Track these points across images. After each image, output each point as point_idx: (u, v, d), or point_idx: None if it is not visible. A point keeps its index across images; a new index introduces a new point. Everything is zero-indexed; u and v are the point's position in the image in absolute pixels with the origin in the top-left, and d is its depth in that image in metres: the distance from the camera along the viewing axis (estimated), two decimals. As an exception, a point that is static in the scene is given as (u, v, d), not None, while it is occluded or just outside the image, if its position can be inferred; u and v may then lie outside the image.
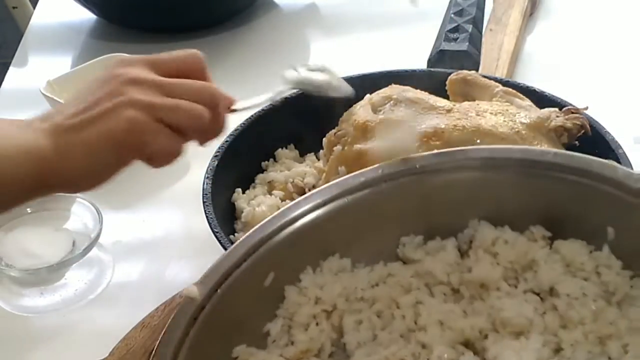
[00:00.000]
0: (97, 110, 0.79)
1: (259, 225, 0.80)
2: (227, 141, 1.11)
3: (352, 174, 0.82)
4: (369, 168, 0.81)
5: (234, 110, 0.86)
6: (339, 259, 0.80)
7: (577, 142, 1.04)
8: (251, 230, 0.80)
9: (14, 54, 1.56)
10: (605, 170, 0.73)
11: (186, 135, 0.82)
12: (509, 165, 0.77)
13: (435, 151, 0.81)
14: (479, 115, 1.03)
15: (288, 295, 0.79)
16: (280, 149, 1.17)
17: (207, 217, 1.00)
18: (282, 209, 0.80)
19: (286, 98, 1.18)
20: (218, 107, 0.83)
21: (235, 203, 1.09)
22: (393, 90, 1.08)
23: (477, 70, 1.23)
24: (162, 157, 0.81)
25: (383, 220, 0.80)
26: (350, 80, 1.20)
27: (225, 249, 0.98)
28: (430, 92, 1.08)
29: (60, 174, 0.79)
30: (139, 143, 0.79)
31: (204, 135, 0.84)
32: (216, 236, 0.99)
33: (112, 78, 0.81)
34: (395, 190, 0.80)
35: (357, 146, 1.02)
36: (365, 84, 1.15)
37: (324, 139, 1.14)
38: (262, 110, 1.16)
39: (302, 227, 0.80)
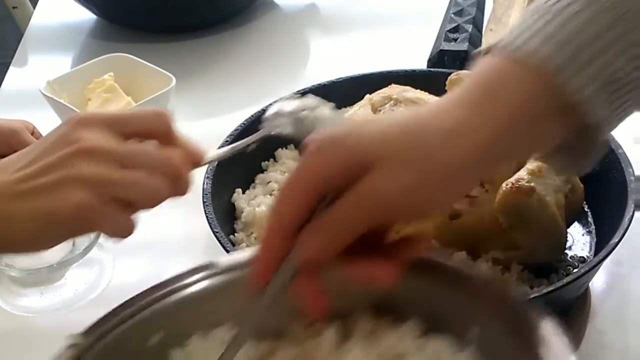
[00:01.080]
0: (45, 180, 0.73)
1: (153, 285, 0.80)
2: (227, 141, 1.11)
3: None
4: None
5: (206, 163, 0.83)
6: (229, 329, 0.81)
7: (577, 142, 1.04)
8: (145, 289, 0.79)
9: (14, 54, 1.56)
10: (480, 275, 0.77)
11: (140, 208, 0.77)
12: None
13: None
14: (478, 115, 1.03)
15: (172, 358, 0.79)
16: (280, 149, 1.17)
17: (207, 217, 1.00)
18: (177, 274, 0.81)
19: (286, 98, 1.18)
20: (181, 176, 0.77)
21: (235, 203, 1.09)
22: (393, 90, 1.08)
23: (477, 70, 1.23)
24: (112, 236, 0.76)
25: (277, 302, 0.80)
26: (350, 80, 1.21)
27: (225, 249, 0.99)
28: (430, 92, 1.08)
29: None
30: (85, 227, 0.75)
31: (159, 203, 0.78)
32: (216, 236, 0.99)
33: (66, 141, 0.75)
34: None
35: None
36: (365, 84, 1.15)
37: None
38: (262, 110, 1.16)
39: (196, 293, 0.80)
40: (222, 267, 0.80)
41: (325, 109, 0.90)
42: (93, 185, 0.73)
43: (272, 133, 0.91)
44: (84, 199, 0.72)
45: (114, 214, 0.74)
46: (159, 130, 0.79)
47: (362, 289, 0.77)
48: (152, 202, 0.76)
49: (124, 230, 0.76)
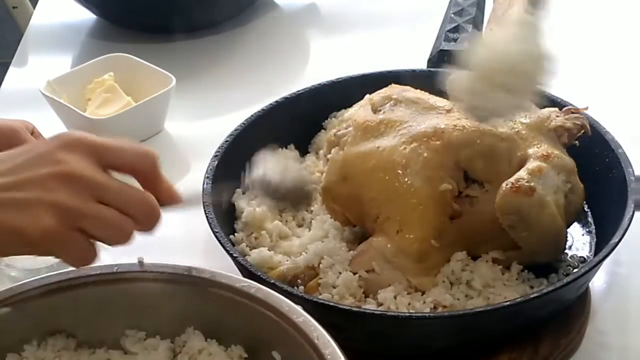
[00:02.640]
0: (20, 196, 0.73)
1: None
2: (227, 141, 1.11)
3: (89, 267, 0.84)
4: (105, 265, 0.86)
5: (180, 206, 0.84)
6: (65, 338, 0.85)
7: (577, 142, 1.04)
8: None
9: (14, 54, 1.56)
10: (290, 311, 0.81)
11: (104, 242, 0.78)
12: (230, 289, 0.84)
13: (171, 264, 0.88)
14: (479, 115, 1.03)
15: None
16: (280, 149, 1.17)
17: (207, 217, 1.00)
18: (19, 284, 0.84)
19: (286, 98, 1.18)
20: (151, 222, 0.78)
21: (235, 203, 1.09)
22: (393, 90, 1.08)
23: (477, 70, 1.23)
24: (71, 264, 0.77)
25: (111, 311, 0.86)
26: (350, 80, 1.21)
27: (225, 249, 0.99)
28: (430, 92, 1.08)
29: None
30: (49, 250, 0.75)
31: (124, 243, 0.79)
32: (216, 236, 0.99)
33: (50, 160, 0.75)
34: (126, 287, 0.86)
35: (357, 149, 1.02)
36: (365, 84, 1.15)
37: (323, 139, 1.15)
38: (262, 110, 1.16)
39: (34, 302, 0.84)
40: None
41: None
42: (64, 214, 0.73)
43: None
44: (52, 226, 0.73)
45: (77, 244, 0.75)
46: (143, 169, 0.79)
47: (192, 312, 0.85)
48: (117, 241, 0.77)
49: (83, 260, 0.77)
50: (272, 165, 0.93)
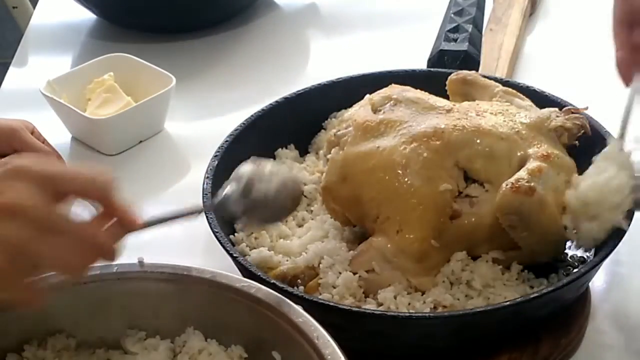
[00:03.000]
0: None
1: None
2: (227, 141, 1.11)
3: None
4: (105, 264, 0.84)
5: (140, 228, 0.80)
6: (65, 337, 0.86)
7: (577, 142, 1.04)
8: None
9: (14, 54, 1.55)
10: (290, 311, 0.81)
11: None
12: (230, 289, 0.85)
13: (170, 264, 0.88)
14: (478, 115, 1.03)
15: None
16: (280, 149, 1.17)
17: (207, 217, 1.00)
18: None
19: (286, 98, 1.18)
20: (104, 249, 0.75)
21: (235, 203, 1.09)
22: (393, 90, 1.08)
23: (477, 70, 1.23)
24: (10, 303, 0.75)
25: (111, 311, 0.87)
26: (350, 80, 1.21)
27: (225, 249, 0.99)
28: (430, 92, 1.08)
29: None
30: None
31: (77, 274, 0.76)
32: (216, 236, 0.99)
33: None
34: (126, 287, 0.87)
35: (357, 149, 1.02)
36: (365, 84, 1.15)
37: (324, 138, 1.14)
38: (262, 110, 1.16)
39: None
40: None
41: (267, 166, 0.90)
42: (9, 250, 0.70)
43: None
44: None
45: (21, 284, 0.72)
46: (95, 195, 0.76)
47: (193, 312, 0.85)
48: (69, 273, 0.75)
49: (26, 301, 0.74)
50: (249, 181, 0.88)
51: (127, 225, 0.77)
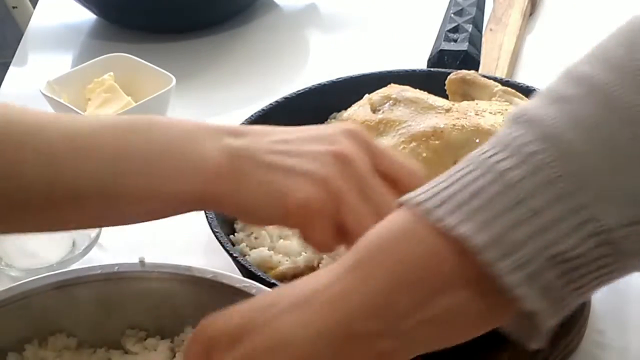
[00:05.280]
0: (292, 162, 0.72)
1: None
2: (227, 141, 1.10)
3: (89, 266, 0.86)
4: (105, 264, 0.86)
5: None
6: (66, 337, 0.86)
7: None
8: None
9: (14, 54, 1.56)
10: None
11: (350, 241, 0.71)
12: (231, 289, 0.84)
13: (171, 263, 0.88)
14: (478, 114, 1.03)
15: None
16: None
17: (207, 217, 1.00)
18: (19, 283, 0.85)
19: (286, 98, 1.18)
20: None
21: (235, 203, 1.09)
22: (392, 89, 1.08)
23: (477, 70, 1.23)
24: (315, 244, 0.73)
25: (112, 311, 0.86)
26: (350, 80, 1.21)
27: (225, 249, 0.99)
28: (430, 92, 1.08)
29: (224, 197, 0.73)
30: (303, 222, 0.71)
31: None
32: (216, 236, 0.99)
33: (329, 140, 0.73)
34: (127, 287, 0.87)
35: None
36: (365, 84, 1.15)
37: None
38: (262, 110, 1.16)
39: (34, 302, 0.84)
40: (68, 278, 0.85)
41: None
42: (331, 191, 0.71)
43: None
44: (317, 198, 0.70)
45: (328, 225, 0.71)
46: (407, 185, 0.73)
47: (191, 310, 0.84)
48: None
49: (326, 245, 0.73)
50: None
51: None
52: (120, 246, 1.13)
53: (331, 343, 0.59)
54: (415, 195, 0.60)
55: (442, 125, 1.00)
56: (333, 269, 0.61)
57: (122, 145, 0.73)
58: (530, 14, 1.54)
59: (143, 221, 0.76)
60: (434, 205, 0.59)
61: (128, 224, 0.79)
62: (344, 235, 0.72)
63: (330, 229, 0.72)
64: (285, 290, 0.63)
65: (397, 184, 0.74)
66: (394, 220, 0.61)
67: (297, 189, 0.71)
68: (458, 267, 0.57)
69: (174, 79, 1.31)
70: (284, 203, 0.71)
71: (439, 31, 1.34)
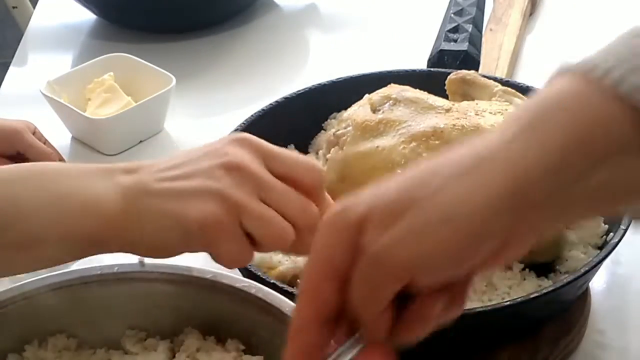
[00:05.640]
0: (182, 184, 0.73)
1: None
2: (227, 141, 1.10)
3: (90, 266, 0.86)
4: (105, 265, 0.86)
5: None
6: (66, 338, 0.86)
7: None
8: None
9: (14, 54, 1.56)
10: (290, 311, 0.80)
11: (261, 248, 0.75)
12: (230, 289, 0.84)
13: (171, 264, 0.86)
14: (478, 114, 1.03)
15: None
16: (280, 149, 1.16)
17: (206, 217, 1.00)
18: (19, 284, 0.85)
19: (286, 98, 1.18)
20: (311, 232, 0.69)
21: (235, 203, 1.09)
22: (392, 89, 1.08)
23: (477, 70, 1.23)
24: (226, 261, 0.75)
25: (112, 311, 0.86)
26: (350, 80, 1.21)
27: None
28: (430, 92, 1.08)
29: (123, 236, 0.74)
30: (207, 241, 0.73)
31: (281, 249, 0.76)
32: (216, 236, 0.99)
33: (216, 154, 0.74)
34: (127, 287, 0.86)
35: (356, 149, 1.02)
36: (365, 84, 1.15)
37: (324, 138, 1.14)
38: (262, 110, 1.16)
39: (34, 302, 0.84)
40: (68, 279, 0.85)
41: None
42: (228, 204, 0.71)
43: None
44: (214, 213, 0.71)
45: (236, 237, 0.72)
46: (307, 183, 0.75)
47: (189, 310, 0.84)
48: (275, 245, 0.75)
49: (238, 258, 0.74)
50: None
51: None
52: (120, 246, 1.13)
53: (502, 210, 0.54)
54: (586, 61, 0.57)
55: (442, 125, 1.00)
56: (503, 131, 0.56)
57: (10, 195, 0.73)
58: (530, 14, 1.54)
59: (41, 268, 0.78)
60: (605, 69, 0.56)
61: (24, 272, 0.81)
62: (256, 243, 0.73)
63: (239, 241, 0.72)
64: (444, 159, 0.57)
65: (296, 182, 0.75)
66: (561, 85, 0.57)
67: (194, 209, 0.71)
68: (634, 132, 0.54)
69: (174, 79, 1.31)
70: (184, 226, 0.72)
71: (439, 31, 1.34)
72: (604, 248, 0.96)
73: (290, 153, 0.78)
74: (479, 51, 1.31)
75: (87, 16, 1.61)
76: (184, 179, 0.73)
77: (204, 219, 0.71)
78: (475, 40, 1.32)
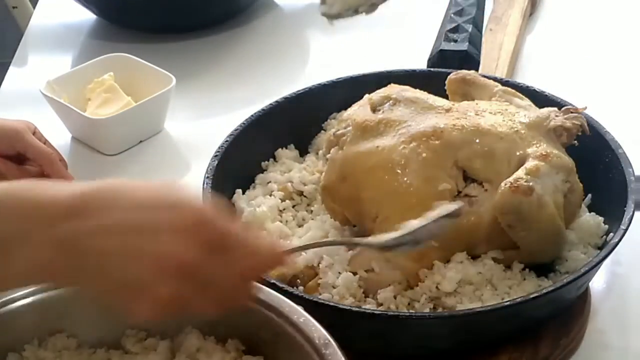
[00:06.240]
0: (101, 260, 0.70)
1: None
2: (227, 141, 1.11)
3: None
4: None
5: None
6: (66, 337, 0.86)
7: (576, 141, 1.04)
8: None
9: (14, 54, 1.56)
10: (290, 311, 0.81)
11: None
12: None
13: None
14: (478, 114, 1.03)
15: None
16: (280, 149, 1.17)
17: (206, 217, 1.00)
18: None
19: (286, 98, 1.18)
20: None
21: (235, 203, 1.09)
22: (392, 89, 1.08)
23: (477, 70, 1.23)
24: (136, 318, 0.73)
25: (112, 311, 0.85)
26: (350, 80, 1.21)
27: (225, 249, 0.98)
28: (430, 92, 1.08)
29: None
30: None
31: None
32: (216, 236, 0.99)
33: (154, 256, 0.70)
34: None
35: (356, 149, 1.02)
36: (365, 84, 1.15)
37: (324, 138, 1.14)
38: (262, 110, 1.16)
39: (34, 302, 0.85)
40: None
41: None
42: (180, 273, 0.71)
43: None
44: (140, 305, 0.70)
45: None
46: (262, 248, 0.75)
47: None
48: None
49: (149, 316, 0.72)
50: None
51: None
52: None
53: None
54: None
55: (442, 125, 1.00)
56: None
57: None
58: (530, 14, 1.54)
59: None
60: None
61: None
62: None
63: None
64: None
65: (258, 249, 0.74)
66: None
67: (136, 310, 0.70)
68: None
69: (174, 79, 1.31)
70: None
71: (439, 31, 1.34)
72: (604, 248, 0.96)
73: (252, 241, 0.75)
74: (479, 51, 1.31)
75: (87, 16, 1.61)
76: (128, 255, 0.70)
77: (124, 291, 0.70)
78: (475, 40, 1.32)
